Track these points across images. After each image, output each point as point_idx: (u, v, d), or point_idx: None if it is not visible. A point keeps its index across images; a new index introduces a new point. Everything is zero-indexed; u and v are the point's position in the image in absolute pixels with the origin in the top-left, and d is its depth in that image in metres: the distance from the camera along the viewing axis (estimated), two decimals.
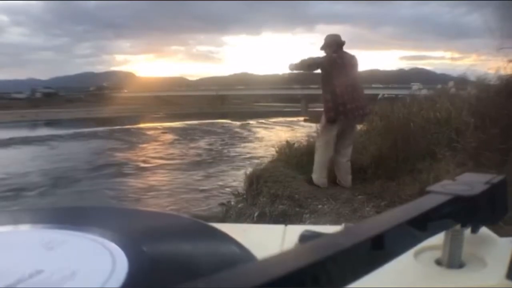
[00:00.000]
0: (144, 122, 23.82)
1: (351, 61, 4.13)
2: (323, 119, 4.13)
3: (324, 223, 3.04)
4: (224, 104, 45.00)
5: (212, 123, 21.13)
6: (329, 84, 3.99)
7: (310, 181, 4.22)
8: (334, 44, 4.10)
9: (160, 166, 8.32)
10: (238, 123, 20.60)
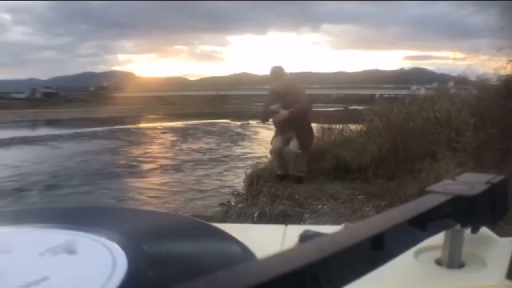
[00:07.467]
0: (144, 122, 23.79)
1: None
2: None
3: (324, 223, 3.04)
4: (224, 104, 44.90)
5: (212, 123, 21.05)
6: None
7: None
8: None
9: (160, 166, 8.31)
10: (238, 123, 20.53)
